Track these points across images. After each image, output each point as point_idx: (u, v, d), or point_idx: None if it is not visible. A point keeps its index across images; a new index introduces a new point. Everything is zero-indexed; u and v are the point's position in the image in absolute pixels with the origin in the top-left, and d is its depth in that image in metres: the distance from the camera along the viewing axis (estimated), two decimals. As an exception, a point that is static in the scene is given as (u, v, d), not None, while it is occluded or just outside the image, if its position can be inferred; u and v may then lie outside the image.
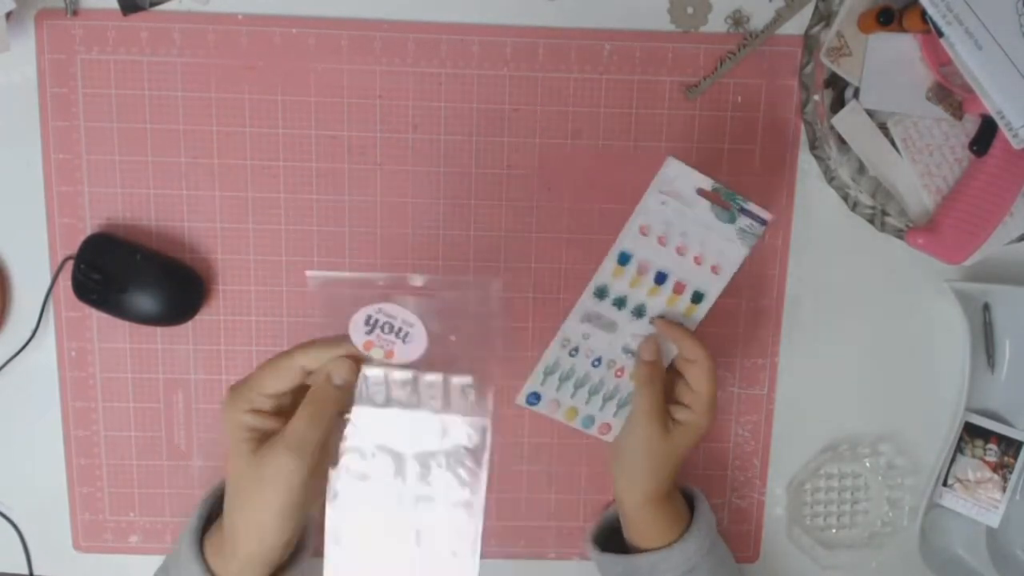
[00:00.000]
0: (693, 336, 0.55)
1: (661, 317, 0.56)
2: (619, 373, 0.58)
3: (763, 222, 0.54)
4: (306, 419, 0.43)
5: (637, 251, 0.55)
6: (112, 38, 0.58)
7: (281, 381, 0.44)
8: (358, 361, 0.44)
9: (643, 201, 0.54)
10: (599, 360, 0.57)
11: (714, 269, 0.55)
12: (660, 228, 0.54)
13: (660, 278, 0.55)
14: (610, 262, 0.55)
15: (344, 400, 0.44)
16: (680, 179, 0.53)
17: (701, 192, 0.53)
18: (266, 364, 0.45)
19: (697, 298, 0.56)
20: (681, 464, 0.57)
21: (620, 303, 0.56)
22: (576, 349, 0.57)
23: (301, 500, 0.43)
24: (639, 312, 0.56)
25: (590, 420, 0.59)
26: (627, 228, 0.54)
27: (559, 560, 0.66)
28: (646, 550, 0.57)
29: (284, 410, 0.45)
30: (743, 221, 0.54)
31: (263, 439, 0.44)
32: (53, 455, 0.63)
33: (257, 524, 0.44)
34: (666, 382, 0.57)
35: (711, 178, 0.53)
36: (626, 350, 0.57)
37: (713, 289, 0.56)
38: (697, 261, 0.55)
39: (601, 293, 0.56)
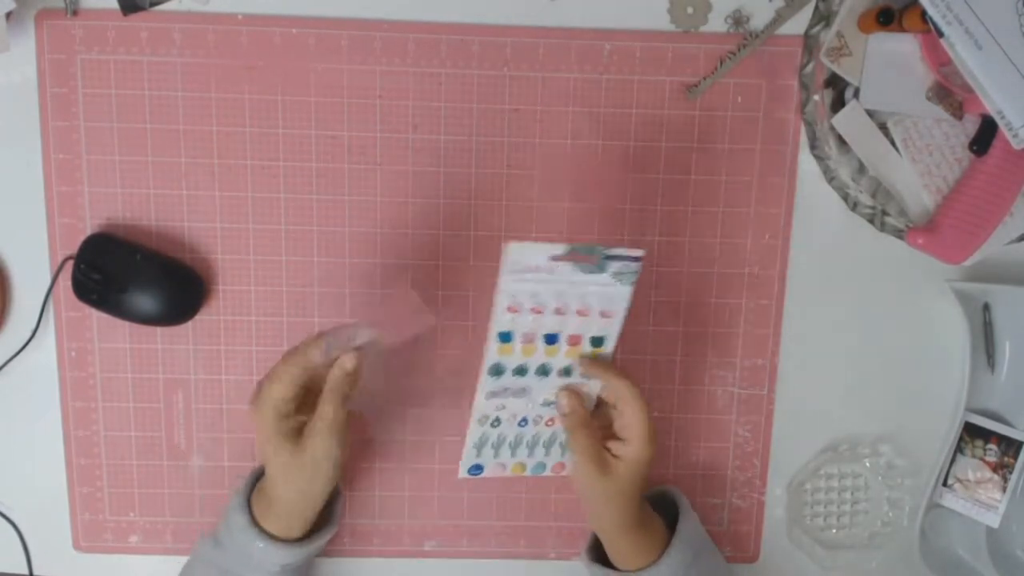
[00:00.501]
0: (614, 370, 0.54)
1: (583, 356, 0.54)
2: (549, 423, 0.57)
3: (636, 259, 0.51)
4: (334, 405, 0.51)
5: (516, 328, 0.52)
6: (112, 38, 0.58)
7: (295, 384, 0.52)
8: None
9: (499, 288, 0.50)
10: (524, 420, 0.56)
11: (604, 314, 0.53)
12: (529, 302, 0.51)
13: (551, 339, 0.53)
14: (493, 343, 0.52)
15: (352, 384, 0.52)
16: (528, 257, 0.49)
17: (557, 259, 0.49)
18: (280, 373, 0.52)
19: (597, 342, 0.54)
20: (638, 493, 0.55)
21: (521, 371, 0.54)
22: (497, 420, 0.56)
23: (339, 468, 0.53)
24: (544, 371, 0.54)
25: (541, 466, 0.58)
26: (495, 312, 0.51)
27: (559, 560, 0.66)
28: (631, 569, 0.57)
29: (300, 404, 0.53)
30: (613, 266, 0.50)
31: (296, 432, 0.52)
32: (53, 455, 0.63)
33: (307, 495, 0.53)
34: (604, 418, 0.56)
35: (562, 244, 0.49)
36: (546, 403, 0.56)
37: (611, 331, 0.53)
38: (582, 314, 0.52)
39: (497, 371, 0.53)
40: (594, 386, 0.56)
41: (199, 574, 0.56)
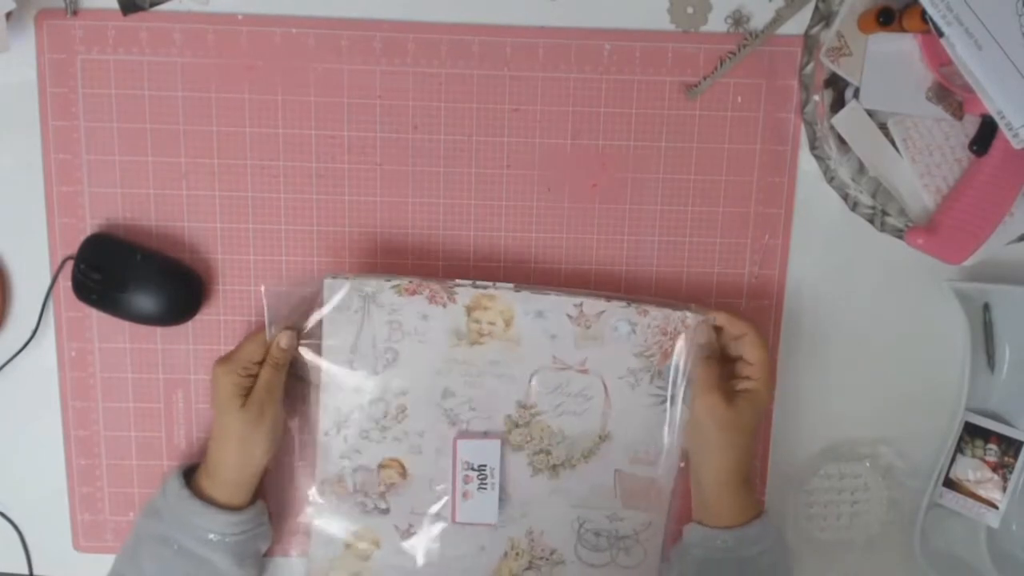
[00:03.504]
0: (736, 315, 0.58)
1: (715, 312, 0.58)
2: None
3: None
4: (273, 374, 0.58)
5: None
6: (112, 38, 0.58)
7: (259, 351, 0.58)
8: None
9: None
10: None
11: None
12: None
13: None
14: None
15: (288, 360, 0.58)
16: None
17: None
18: (248, 341, 0.58)
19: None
20: (752, 438, 0.58)
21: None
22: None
23: (279, 433, 0.59)
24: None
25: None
26: None
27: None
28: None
29: (253, 375, 0.58)
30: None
31: (245, 395, 0.57)
32: (53, 455, 0.63)
33: (249, 456, 0.57)
34: (724, 370, 0.59)
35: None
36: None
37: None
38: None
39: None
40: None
41: (142, 548, 0.57)
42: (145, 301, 0.59)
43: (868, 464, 0.66)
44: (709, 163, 0.61)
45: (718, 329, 0.59)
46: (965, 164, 0.58)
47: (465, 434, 0.59)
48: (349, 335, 0.58)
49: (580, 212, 0.62)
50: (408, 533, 0.61)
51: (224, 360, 0.57)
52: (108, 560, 0.64)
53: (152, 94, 0.59)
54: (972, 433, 0.65)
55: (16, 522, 0.64)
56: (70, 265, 0.59)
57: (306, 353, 0.58)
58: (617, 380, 0.59)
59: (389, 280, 0.57)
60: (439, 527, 0.60)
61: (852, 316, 0.64)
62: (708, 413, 0.57)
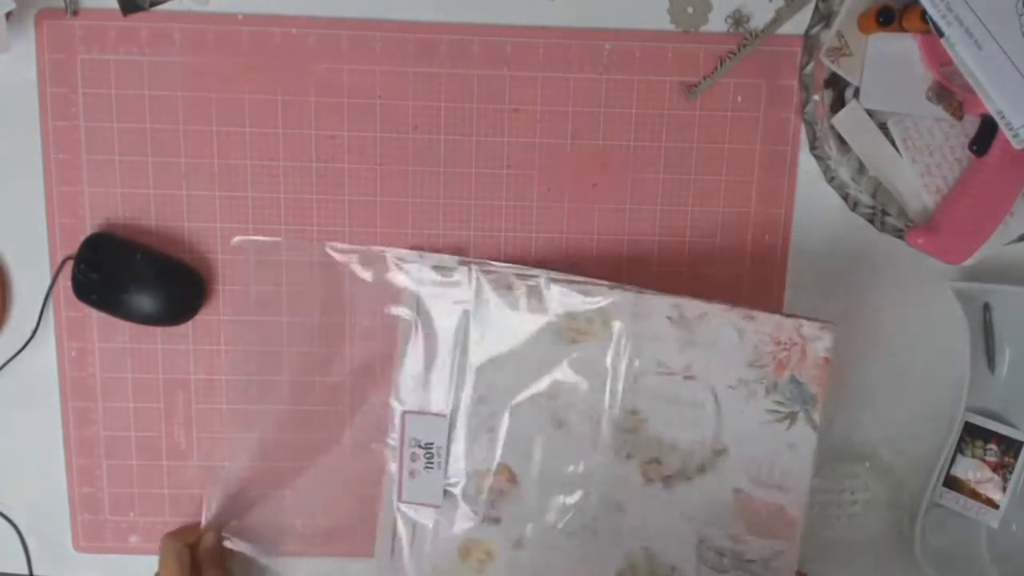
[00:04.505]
0: None
1: None
2: None
3: None
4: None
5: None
6: (112, 38, 0.58)
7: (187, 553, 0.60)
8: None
9: None
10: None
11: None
12: None
13: None
14: None
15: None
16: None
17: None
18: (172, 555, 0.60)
19: None
20: None
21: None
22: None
23: None
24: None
25: None
26: None
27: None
28: None
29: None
30: None
31: None
32: (53, 455, 0.63)
33: None
34: None
35: None
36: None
37: None
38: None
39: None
40: None
41: None
42: (145, 301, 0.59)
43: (868, 464, 0.66)
44: (709, 163, 0.61)
45: None
46: (965, 164, 0.58)
47: (413, 411, 0.58)
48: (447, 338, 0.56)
49: (580, 212, 0.62)
50: (519, 545, 0.58)
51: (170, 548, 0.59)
52: (108, 560, 0.64)
53: (152, 94, 0.59)
54: (972, 433, 0.65)
55: (16, 522, 0.64)
56: (70, 265, 0.59)
57: (238, 546, 0.61)
58: (728, 390, 0.56)
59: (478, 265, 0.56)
60: (552, 539, 0.57)
61: (852, 316, 0.64)
62: None
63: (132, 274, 0.59)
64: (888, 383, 0.65)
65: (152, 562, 0.63)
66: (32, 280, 0.61)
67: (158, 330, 0.61)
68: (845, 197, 0.61)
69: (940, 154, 0.58)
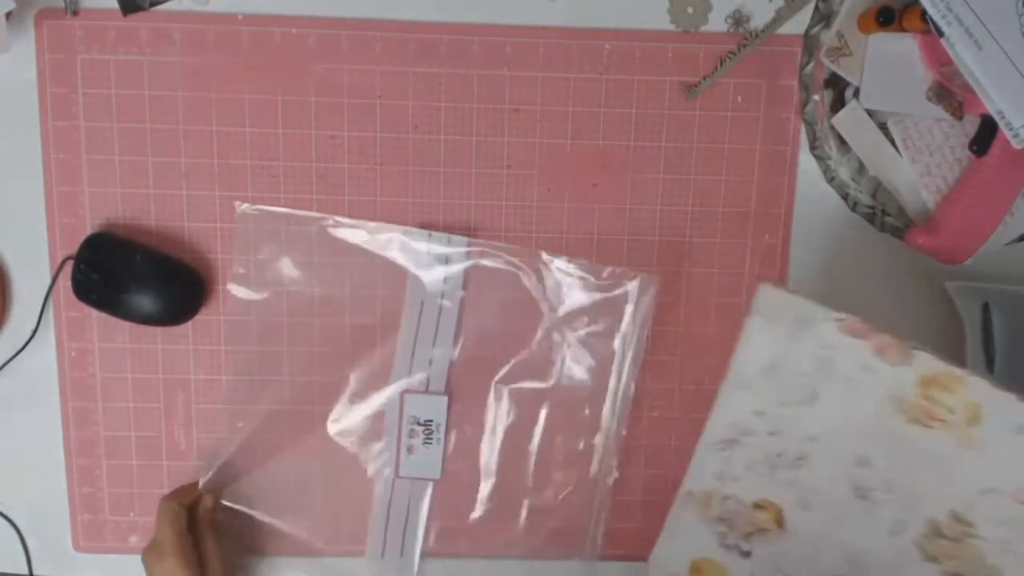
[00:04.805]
0: None
1: None
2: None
3: None
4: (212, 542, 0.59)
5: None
6: (112, 38, 0.58)
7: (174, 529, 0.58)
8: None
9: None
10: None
11: None
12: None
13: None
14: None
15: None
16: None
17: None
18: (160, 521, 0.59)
19: None
20: None
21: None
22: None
23: None
24: None
25: None
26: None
27: (561, 560, 0.66)
28: None
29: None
30: None
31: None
32: (53, 455, 0.63)
33: None
34: None
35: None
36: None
37: None
38: None
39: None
40: None
41: None
42: (145, 301, 0.59)
43: (868, 464, 0.66)
44: (709, 163, 0.61)
45: None
46: (965, 164, 0.58)
47: (411, 390, 0.59)
48: (768, 351, 0.49)
49: (580, 212, 0.62)
50: None
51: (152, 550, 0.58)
52: (108, 560, 0.64)
53: (152, 94, 0.59)
54: None
55: (16, 522, 0.64)
56: (70, 265, 0.59)
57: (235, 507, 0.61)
58: None
59: (834, 312, 0.49)
60: None
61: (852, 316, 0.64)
62: None
63: (132, 274, 0.59)
64: (888, 383, 0.65)
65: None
66: (32, 280, 0.61)
67: (158, 330, 0.61)
68: (845, 197, 0.61)
69: (940, 154, 0.58)
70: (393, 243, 0.60)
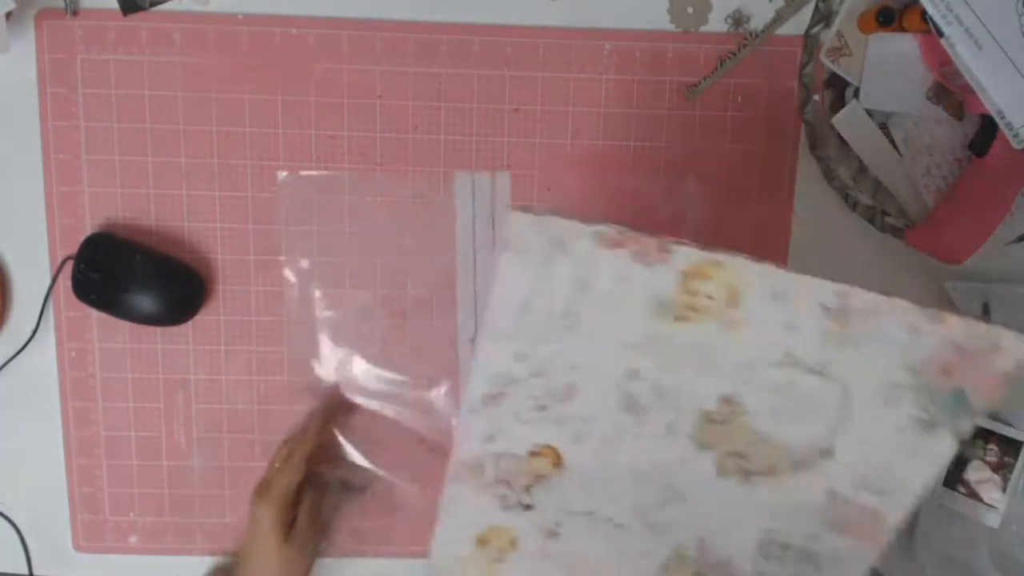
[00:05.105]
0: None
1: None
2: None
3: None
4: (313, 511, 0.58)
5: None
6: (112, 38, 0.58)
7: (297, 475, 0.57)
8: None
9: None
10: None
11: None
12: None
13: None
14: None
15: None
16: None
17: None
18: (283, 469, 0.57)
19: None
20: None
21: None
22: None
23: (318, 553, 0.60)
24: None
25: None
26: None
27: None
28: None
29: (294, 503, 0.57)
30: None
31: (286, 527, 0.56)
32: (53, 455, 0.63)
33: None
34: None
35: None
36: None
37: None
38: None
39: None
40: None
41: None
42: (145, 301, 0.59)
43: (868, 464, 0.66)
44: (709, 163, 0.61)
45: None
46: (965, 164, 0.58)
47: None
48: (522, 288, 0.45)
49: (580, 212, 0.62)
50: (553, 534, 0.51)
51: (264, 492, 0.56)
52: (108, 560, 0.64)
53: (152, 94, 0.59)
54: (972, 433, 0.64)
55: (16, 522, 0.64)
56: (70, 265, 0.59)
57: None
58: (869, 393, 0.47)
59: (590, 225, 0.45)
60: (594, 528, 0.50)
61: (852, 316, 0.64)
62: None
63: (132, 274, 0.59)
64: (888, 383, 0.65)
65: (152, 562, 0.64)
66: (32, 280, 0.61)
67: (158, 330, 0.61)
68: (845, 197, 0.61)
69: (940, 154, 0.58)
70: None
